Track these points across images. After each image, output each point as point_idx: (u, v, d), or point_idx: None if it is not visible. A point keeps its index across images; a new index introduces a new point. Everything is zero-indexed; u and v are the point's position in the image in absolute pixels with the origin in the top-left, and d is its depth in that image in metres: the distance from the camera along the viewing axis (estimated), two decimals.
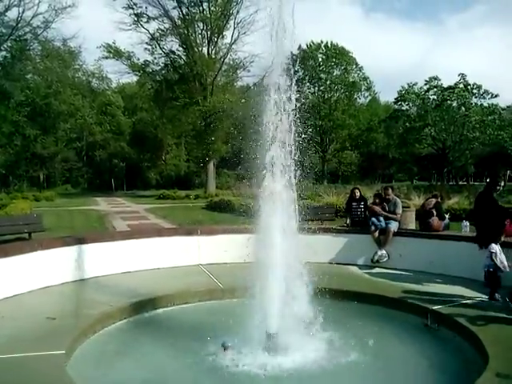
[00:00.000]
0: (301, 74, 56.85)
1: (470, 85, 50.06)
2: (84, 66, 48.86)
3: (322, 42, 58.33)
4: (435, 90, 51.25)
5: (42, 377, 3.78)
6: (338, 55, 58.11)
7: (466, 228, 8.52)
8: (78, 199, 36.07)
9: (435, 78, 51.69)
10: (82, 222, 17.49)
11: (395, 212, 8.53)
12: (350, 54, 58.73)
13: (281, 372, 4.21)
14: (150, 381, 4.20)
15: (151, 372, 4.36)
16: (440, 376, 4.27)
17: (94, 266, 7.27)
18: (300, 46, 53.37)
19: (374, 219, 8.41)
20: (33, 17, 37.32)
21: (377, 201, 8.80)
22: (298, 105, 4.89)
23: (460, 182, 64.91)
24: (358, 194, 9.31)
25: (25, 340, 4.54)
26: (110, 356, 4.70)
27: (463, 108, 50.01)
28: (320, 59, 58.51)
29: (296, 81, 5.00)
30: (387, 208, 8.58)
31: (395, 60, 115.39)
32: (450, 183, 58.07)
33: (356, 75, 60.87)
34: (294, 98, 4.85)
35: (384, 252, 8.19)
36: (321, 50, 58.77)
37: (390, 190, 8.99)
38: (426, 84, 52.29)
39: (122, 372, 4.38)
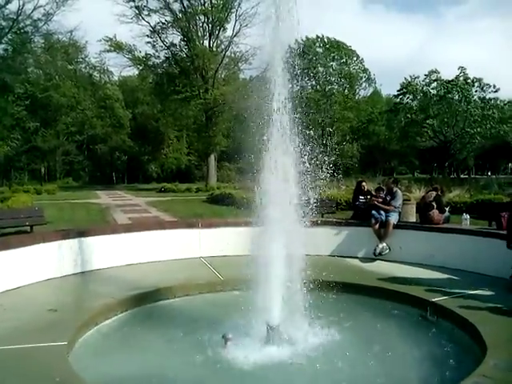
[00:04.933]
0: (298, 67, 56.20)
1: (469, 78, 49.87)
2: (87, 59, 48.79)
3: (318, 36, 57.73)
4: (436, 83, 51.03)
5: (44, 367, 3.81)
6: (336, 49, 57.61)
7: (466, 221, 8.53)
8: (79, 192, 36.10)
9: (435, 71, 51.47)
10: (84, 215, 17.51)
11: (392, 203, 8.49)
12: (350, 47, 58.27)
13: (282, 361, 4.24)
14: (152, 372, 4.23)
15: (153, 363, 4.40)
16: (438, 367, 4.29)
17: (95, 258, 7.29)
18: (296, 40, 52.79)
19: (374, 212, 8.41)
20: (33, 9, 37.28)
21: (381, 194, 8.79)
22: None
23: (461, 175, 64.93)
24: (365, 186, 9.28)
25: (27, 331, 4.57)
26: (111, 347, 4.74)
27: (464, 102, 49.78)
28: (318, 52, 57.84)
29: (294, 74, 5.00)
30: (388, 199, 8.57)
31: (394, 52, 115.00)
32: (452, 176, 58.05)
33: (357, 67, 60.39)
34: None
35: (385, 245, 8.20)
36: (318, 44, 58.18)
37: (391, 184, 8.92)
38: (426, 77, 52.07)
39: (123, 363, 4.41)
